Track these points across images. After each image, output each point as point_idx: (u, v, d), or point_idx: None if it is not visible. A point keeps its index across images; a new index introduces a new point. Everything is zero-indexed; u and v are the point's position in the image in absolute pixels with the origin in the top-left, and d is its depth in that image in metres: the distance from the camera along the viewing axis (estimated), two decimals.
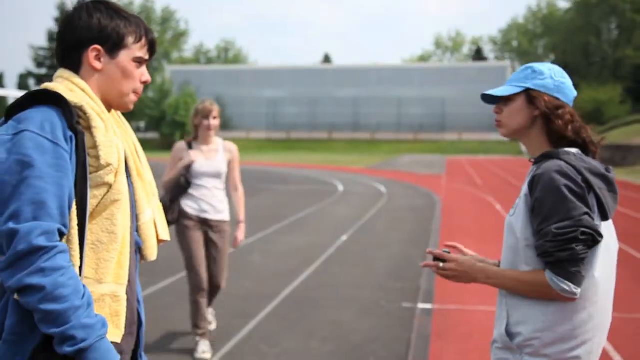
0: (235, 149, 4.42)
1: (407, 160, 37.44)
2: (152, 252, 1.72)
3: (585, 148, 1.84)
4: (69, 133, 1.45)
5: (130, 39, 1.59)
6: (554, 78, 1.85)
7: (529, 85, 1.86)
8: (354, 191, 17.15)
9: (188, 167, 4.18)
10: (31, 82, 59.94)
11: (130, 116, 64.96)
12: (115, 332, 1.52)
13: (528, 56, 72.24)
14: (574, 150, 1.81)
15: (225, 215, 4.33)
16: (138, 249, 1.71)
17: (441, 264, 1.91)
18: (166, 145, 52.19)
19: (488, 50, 77.26)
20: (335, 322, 4.98)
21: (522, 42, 72.23)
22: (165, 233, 1.79)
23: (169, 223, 3.95)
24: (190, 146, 4.25)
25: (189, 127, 52.37)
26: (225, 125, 58.32)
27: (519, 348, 1.78)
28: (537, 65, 1.89)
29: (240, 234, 4.47)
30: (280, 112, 58.99)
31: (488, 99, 1.97)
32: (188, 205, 4.21)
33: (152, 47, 1.66)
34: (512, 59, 74.05)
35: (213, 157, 4.25)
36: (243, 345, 4.46)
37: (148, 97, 56.46)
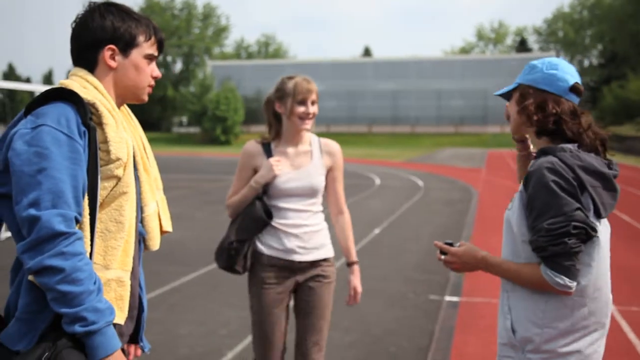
0: (338, 150, 2.89)
1: (447, 153, 37.03)
2: (155, 242, 1.83)
3: (583, 142, 1.81)
4: (83, 128, 1.55)
5: (141, 38, 1.71)
6: (544, 71, 1.85)
7: (520, 81, 1.88)
8: (391, 185, 17.11)
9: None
10: None
11: (172, 111, 66.49)
12: (120, 315, 1.61)
13: (574, 46, 70.27)
14: (571, 146, 1.79)
15: (325, 252, 2.81)
16: (142, 239, 1.80)
17: (442, 256, 1.94)
18: (207, 139, 53.02)
19: (532, 41, 75.48)
20: (360, 314, 5.03)
21: (567, 32, 70.21)
22: (168, 225, 1.89)
23: (238, 272, 2.77)
24: (268, 149, 2.77)
25: (230, 121, 53.53)
26: (265, 120, 59.00)
27: (521, 344, 1.80)
28: (536, 61, 1.90)
29: (356, 280, 2.92)
30: (320, 106, 58.33)
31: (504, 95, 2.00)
32: (265, 244, 2.73)
33: (160, 45, 1.77)
34: (558, 49, 72.13)
35: (305, 164, 2.77)
36: None
37: (190, 92, 57.46)
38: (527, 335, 1.79)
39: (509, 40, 78.23)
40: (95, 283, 1.49)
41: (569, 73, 1.85)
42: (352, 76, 59.59)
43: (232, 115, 52.35)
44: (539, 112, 1.82)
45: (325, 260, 2.80)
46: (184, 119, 63.68)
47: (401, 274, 6.45)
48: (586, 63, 72.95)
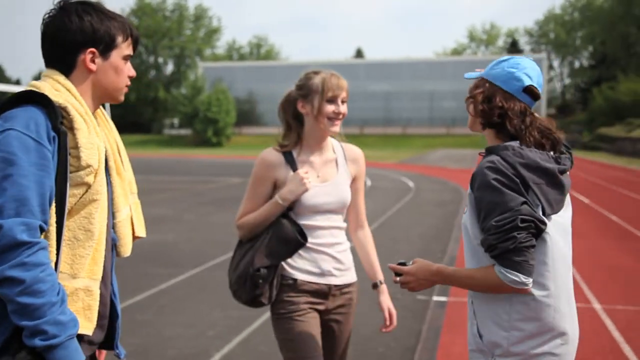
0: (362, 157, 2.54)
1: (438, 154, 37.14)
2: (126, 248, 1.76)
3: (524, 140, 1.79)
4: (52, 133, 1.49)
5: (119, 39, 1.65)
6: (504, 68, 1.84)
7: (483, 74, 1.89)
8: (382, 186, 17.15)
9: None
10: None
11: (164, 113, 66.26)
12: (87, 325, 1.56)
13: (565, 47, 70.65)
14: (515, 144, 1.78)
15: (353, 274, 2.51)
16: (114, 245, 1.75)
17: (397, 278, 1.90)
18: (199, 141, 52.90)
19: (524, 42, 75.82)
20: None
21: (559, 33, 70.56)
22: (142, 230, 1.83)
23: (261, 304, 2.37)
24: (290, 158, 2.37)
25: (221, 123, 53.43)
26: (256, 121, 58.93)
27: (489, 349, 1.78)
28: (505, 57, 1.89)
29: (389, 301, 2.55)
30: None
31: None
32: (297, 267, 2.36)
33: (136, 44, 1.72)
34: (549, 51, 72.51)
35: (332, 175, 2.41)
36: (256, 335, 4.57)
37: (181, 94, 57.27)
38: (494, 340, 1.76)
39: (501, 42, 78.57)
40: (58, 294, 1.44)
41: (528, 74, 1.82)
42: (344, 77, 59.46)
43: (223, 117, 52.29)
44: (485, 103, 1.82)
45: (353, 284, 2.49)
46: (176, 121, 63.37)
47: (389, 275, 6.46)
48: (577, 64, 73.39)
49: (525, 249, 1.67)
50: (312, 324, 2.35)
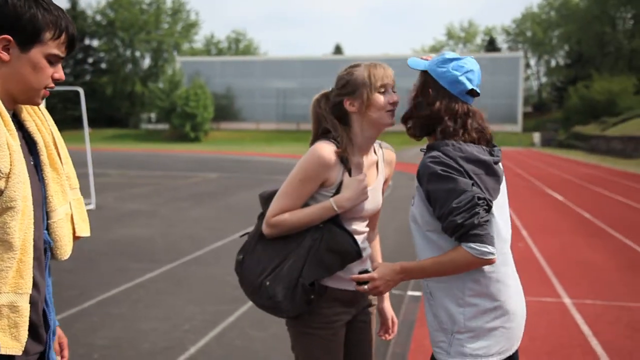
0: (394, 159, 2.37)
1: (414, 152, 37.34)
2: (64, 250, 1.59)
3: (462, 135, 1.90)
4: None
5: (47, 35, 1.45)
6: (450, 70, 1.92)
7: (428, 68, 1.97)
8: None
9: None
10: None
11: (141, 107, 65.62)
12: (14, 345, 1.42)
13: (542, 46, 71.55)
14: (453, 140, 1.89)
15: None
16: (49, 248, 1.57)
17: (365, 287, 1.94)
18: (176, 136, 52.54)
19: (501, 40, 76.61)
20: None
21: (536, 32, 71.46)
22: (84, 229, 1.66)
23: (295, 317, 2.13)
24: (345, 160, 2.12)
25: (199, 118, 53.01)
26: (235, 116, 58.68)
27: (449, 327, 1.89)
28: (448, 54, 1.97)
29: (390, 308, 2.40)
30: (290, 104, 59.02)
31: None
32: (333, 278, 2.12)
33: (71, 43, 1.51)
34: (526, 49, 73.36)
35: (373, 179, 2.24)
36: (231, 329, 4.59)
37: (159, 88, 56.79)
38: (452, 318, 1.87)
39: (479, 40, 79.31)
40: None
41: (469, 78, 1.93)
42: (323, 74, 59.49)
43: (201, 112, 52.01)
44: (429, 111, 1.94)
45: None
46: (153, 116, 62.87)
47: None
48: (553, 63, 74.40)
49: (485, 224, 1.79)
50: (340, 341, 2.17)
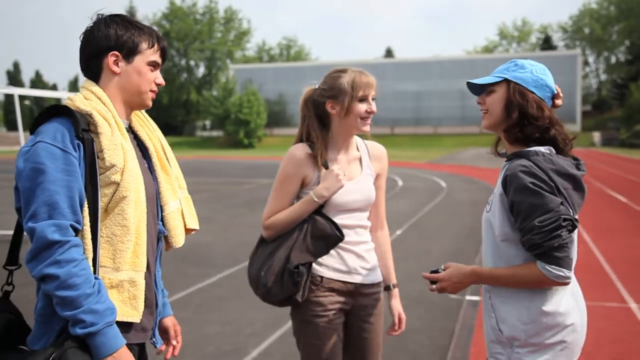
0: (385, 155, 2.52)
1: (470, 154, 36.81)
2: (177, 239, 1.90)
3: (557, 146, 1.88)
4: (76, 141, 1.64)
5: (144, 45, 1.78)
6: (534, 73, 1.89)
7: (507, 76, 1.90)
8: (413, 186, 17.12)
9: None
10: None
11: (196, 115, 67.10)
12: (133, 314, 1.69)
13: (602, 43, 69.13)
14: (543, 149, 1.85)
15: (379, 273, 2.48)
16: (164, 237, 1.88)
17: (433, 286, 1.99)
18: (230, 143, 53.45)
19: (557, 38, 74.49)
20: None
21: (594, 28, 69.11)
22: (194, 222, 1.96)
23: (296, 303, 2.33)
24: (318, 159, 2.34)
25: (252, 124, 53.82)
26: (287, 122, 59.20)
27: (509, 341, 1.88)
28: (521, 60, 1.94)
29: (400, 306, 2.55)
30: None
31: (474, 89, 2.00)
32: (324, 265, 2.34)
33: (164, 53, 1.86)
34: (583, 46, 71.07)
35: (357, 173, 2.41)
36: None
37: (213, 96, 57.92)
38: (513, 333, 1.86)
39: (533, 39, 77.34)
40: (93, 286, 1.56)
41: (552, 82, 1.91)
42: (375, 77, 59.64)
43: (254, 118, 52.70)
44: (534, 121, 1.86)
45: (379, 283, 2.45)
46: (207, 123, 64.22)
47: (421, 275, 6.50)
48: (613, 60, 71.76)
49: (566, 246, 1.77)
50: (336, 329, 2.34)
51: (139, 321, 1.72)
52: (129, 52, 1.77)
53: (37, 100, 61.51)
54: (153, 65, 1.81)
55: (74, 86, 69.17)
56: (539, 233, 1.75)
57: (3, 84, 51.09)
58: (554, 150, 1.87)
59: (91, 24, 1.78)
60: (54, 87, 69.56)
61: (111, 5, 1.86)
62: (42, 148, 1.60)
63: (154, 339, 1.90)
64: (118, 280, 1.68)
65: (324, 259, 2.33)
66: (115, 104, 1.77)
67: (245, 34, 74.26)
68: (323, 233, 2.26)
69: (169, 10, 69.91)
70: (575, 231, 1.82)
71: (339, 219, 2.31)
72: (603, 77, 73.33)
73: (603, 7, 70.04)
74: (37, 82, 68.14)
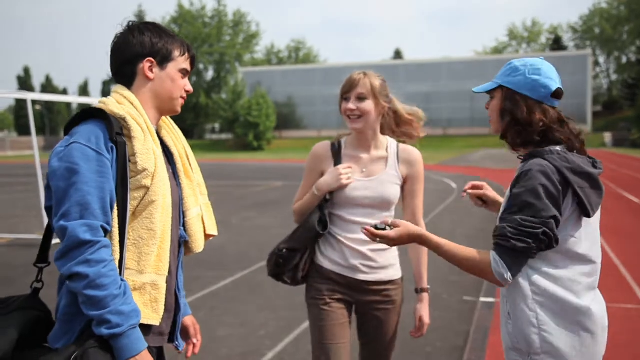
0: (418, 159, 2.53)
1: (480, 155, 36.65)
2: (197, 245, 1.93)
3: (570, 144, 1.83)
4: (110, 144, 1.66)
5: (176, 53, 1.83)
6: (526, 75, 1.84)
7: (501, 82, 1.87)
8: (424, 187, 17.04)
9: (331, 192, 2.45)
10: None
11: (205, 118, 67.36)
12: (154, 317, 1.72)
13: (612, 43, 68.68)
14: (558, 148, 1.81)
15: (393, 273, 2.51)
16: (184, 242, 1.90)
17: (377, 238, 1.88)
18: (240, 145, 53.58)
19: (567, 38, 74.06)
20: None
21: (605, 28, 68.69)
22: (213, 229, 1.99)
23: (286, 283, 2.56)
24: (337, 153, 2.49)
25: (262, 127, 53.91)
26: (297, 125, 59.29)
27: (525, 348, 1.82)
28: (516, 61, 1.89)
29: (424, 310, 2.56)
30: None
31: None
32: (327, 257, 2.47)
33: (193, 61, 1.90)
34: (594, 46, 70.64)
35: (377, 172, 2.45)
36: (306, 334, 4.66)
37: (222, 99, 58.15)
38: (529, 339, 1.80)
39: (543, 39, 76.98)
40: (120, 288, 1.58)
41: (551, 78, 1.84)
42: (381, 78, 59.56)
43: (264, 121, 52.80)
44: (527, 126, 1.82)
45: (392, 282, 2.49)
46: (217, 126, 64.47)
47: (435, 276, 6.47)
48: (624, 59, 71.26)
49: (528, 255, 1.74)
50: (336, 312, 2.44)
51: (158, 324, 1.74)
52: (163, 59, 1.81)
53: (47, 104, 61.93)
54: (183, 72, 1.85)
55: (83, 90, 69.65)
56: (514, 228, 1.71)
57: (14, 89, 51.51)
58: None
59: (123, 31, 1.82)
60: (64, 92, 70.06)
61: (121, 10, 1.90)
62: (76, 149, 1.63)
63: (176, 342, 1.92)
64: (141, 282, 1.70)
65: (327, 250, 2.46)
66: (146, 109, 1.80)
67: (254, 36, 74.41)
68: (309, 224, 2.45)
69: (178, 14, 70.19)
70: (580, 237, 1.77)
71: (350, 215, 2.41)
72: (614, 77, 72.85)
73: (613, 7, 69.59)
74: (48, 86, 68.60)
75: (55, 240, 1.67)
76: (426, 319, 2.56)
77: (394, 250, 2.51)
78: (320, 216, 2.45)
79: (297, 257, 2.48)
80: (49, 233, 1.80)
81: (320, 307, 2.45)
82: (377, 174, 2.44)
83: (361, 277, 2.43)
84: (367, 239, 2.30)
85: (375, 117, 2.43)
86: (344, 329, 2.44)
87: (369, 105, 2.38)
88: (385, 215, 2.45)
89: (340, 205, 2.43)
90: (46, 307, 1.77)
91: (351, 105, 2.39)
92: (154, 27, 1.83)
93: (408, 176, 2.49)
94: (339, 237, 2.43)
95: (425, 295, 2.57)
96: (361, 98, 2.39)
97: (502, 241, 1.73)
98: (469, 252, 1.80)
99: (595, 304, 1.85)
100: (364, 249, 2.42)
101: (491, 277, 1.76)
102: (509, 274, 1.74)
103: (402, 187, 2.50)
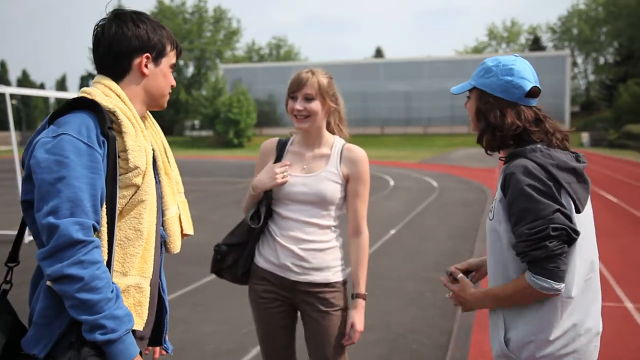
0: (361, 159, 2.44)
1: (460, 154, 36.93)
2: (175, 245, 1.85)
3: (548, 142, 1.80)
4: (102, 137, 1.56)
5: (169, 47, 1.76)
6: (498, 76, 1.81)
7: (475, 83, 1.85)
8: (405, 186, 17.14)
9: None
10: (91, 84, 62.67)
11: (185, 115, 66.86)
12: (138, 321, 1.63)
13: (591, 44, 69.61)
14: (540, 145, 1.78)
15: (329, 276, 2.40)
16: (163, 242, 1.82)
17: (449, 294, 2.00)
18: (220, 142, 53.27)
19: (546, 39, 74.92)
20: (381, 312, 5.10)
21: (583, 30, 69.59)
22: (189, 228, 1.91)
23: (228, 279, 2.57)
24: (281, 149, 2.49)
25: (242, 124, 53.65)
26: (277, 122, 59.14)
27: (516, 355, 1.78)
28: (489, 61, 1.86)
29: (357, 317, 2.41)
30: None
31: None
32: (262, 255, 2.43)
33: (179, 55, 1.84)
34: (572, 47, 71.55)
35: (317, 169, 2.41)
36: None
37: (202, 96, 57.73)
38: (522, 345, 1.76)
39: (522, 39, 77.75)
40: (112, 291, 1.50)
41: (523, 77, 1.80)
42: (364, 77, 59.61)
43: (244, 118, 52.54)
44: (499, 131, 1.80)
45: (327, 285, 2.38)
46: (197, 123, 63.99)
47: (418, 274, 6.50)
48: (602, 61, 72.30)
49: (556, 257, 1.67)
50: (274, 316, 2.42)
51: (142, 329, 1.65)
52: (158, 54, 1.73)
53: (24, 99, 60.93)
54: (172, 67, 1.79)
55: (61, 85, 68.63)
56: (526, 241, 1.67)
57: None
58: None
59: (112, 20, 1.69)
60: (41, 87, 69.02)
61: (100, 4, 1.77)
62: (67, 141, 1.51)
63: (165, 345, 1.87)
64: (125, 285, 1.61)
65: (264, 249, 2.42)
66: (134, 103, 1.70)
67: (235, 33, 73.98)
68: (245, 219, 2.44)
69: (158, 9, 69.49)
70: (580, 239, 1.73)
71: (287, 211, 2.37)
72: (592, 78, 73.88)
73: (591, 8, 70.56)
74: (24, 81, 67.51)
75: (29, 238, 1.56)
76: (358, 326, 2.39)
77: (333, 252, 2.41)
78: (256, 210, 2.41)
79: (235, 253, 2.45)
80: (23, 230, 1.69)
81: (258, 310, 2.44)
82: (317, 170, 2.40)
83: (292, 277, 2.36)
84: (303, 237, 2.36)
85: (322, 116, 2.40)
86: (285, 332, 2.42)
87: (316, 105, 2.35)
88: (322, 213, 2.39)
89: (278, 201, 2.40)
90: (13, 309, 1.64)
91: (298, 105, 2.36)
92: (148, 19, 1.73)
93: (350, 175, 2.41)
94: (275, 235, 2.38)
95: (360, 302, 2.40)
96: (309, 98, 2.35)
97: (524, 258, 1.70)
98: (511, 287, 1.75)
99: (595, 305, 1.83)
100: (295, 247, 2.35)
101: (543, 294, 1.70)
102: (553, 282, 1.67)
103: (345, 187, 2.42)
